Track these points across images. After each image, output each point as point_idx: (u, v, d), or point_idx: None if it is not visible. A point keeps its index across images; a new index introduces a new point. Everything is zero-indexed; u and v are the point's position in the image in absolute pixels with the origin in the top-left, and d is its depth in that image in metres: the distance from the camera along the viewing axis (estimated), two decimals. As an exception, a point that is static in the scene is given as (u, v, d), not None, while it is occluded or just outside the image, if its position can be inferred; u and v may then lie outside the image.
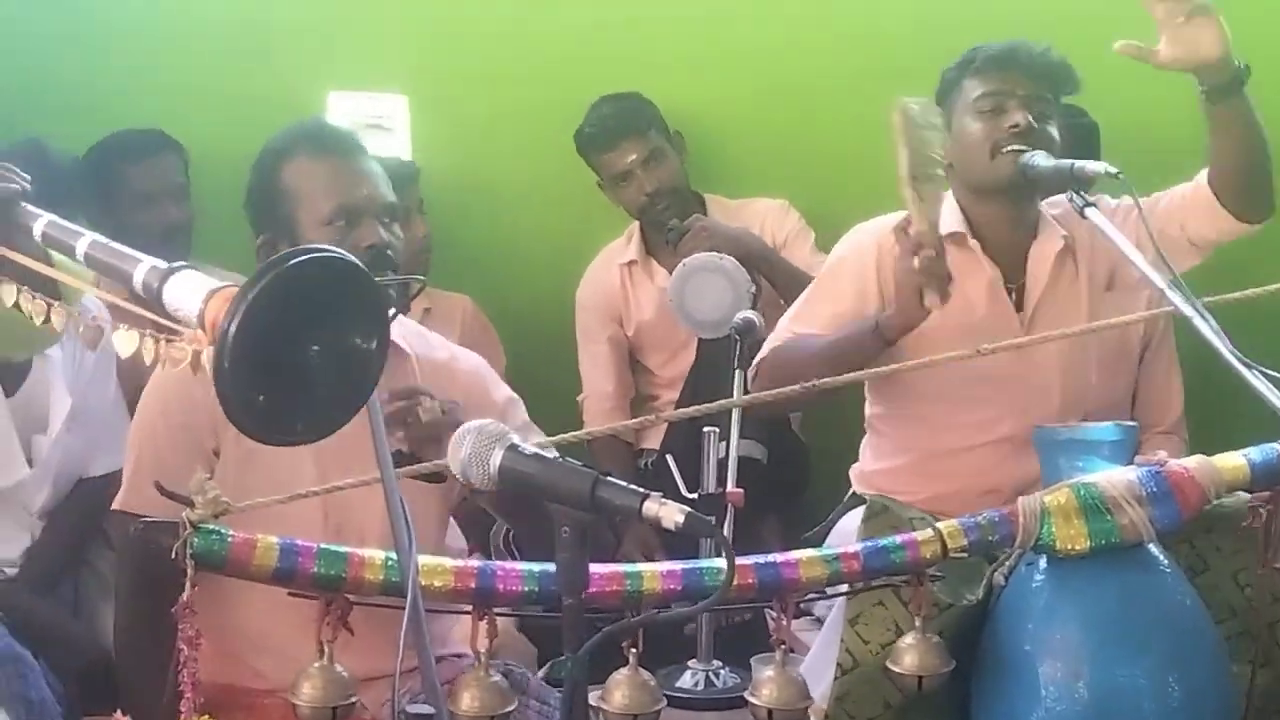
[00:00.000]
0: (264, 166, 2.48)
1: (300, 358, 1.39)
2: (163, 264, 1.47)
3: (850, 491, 3.13)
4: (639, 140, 3.87)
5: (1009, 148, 2.80)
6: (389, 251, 2.40)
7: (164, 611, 2.03)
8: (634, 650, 2.10)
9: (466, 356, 2.65)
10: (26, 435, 3.16)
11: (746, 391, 2.98)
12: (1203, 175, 2.84)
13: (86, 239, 1.58)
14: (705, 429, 3.01)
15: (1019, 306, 2.95)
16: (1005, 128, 2.82)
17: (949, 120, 2.89)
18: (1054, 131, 2.87)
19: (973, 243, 2.94)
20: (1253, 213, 2.83)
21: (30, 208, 1.76)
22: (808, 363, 2.79)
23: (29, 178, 1.85)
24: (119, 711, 2.16)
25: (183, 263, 1.47)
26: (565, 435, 2.31)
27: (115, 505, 2.48)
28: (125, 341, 1.51)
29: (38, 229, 1.69)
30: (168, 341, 1.46)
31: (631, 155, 3.86)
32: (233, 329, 1.33)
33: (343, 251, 1.42)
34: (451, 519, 2.71)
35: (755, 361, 2.98)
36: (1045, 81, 2.89)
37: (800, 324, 2.97)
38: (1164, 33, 2.56)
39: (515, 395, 2.65)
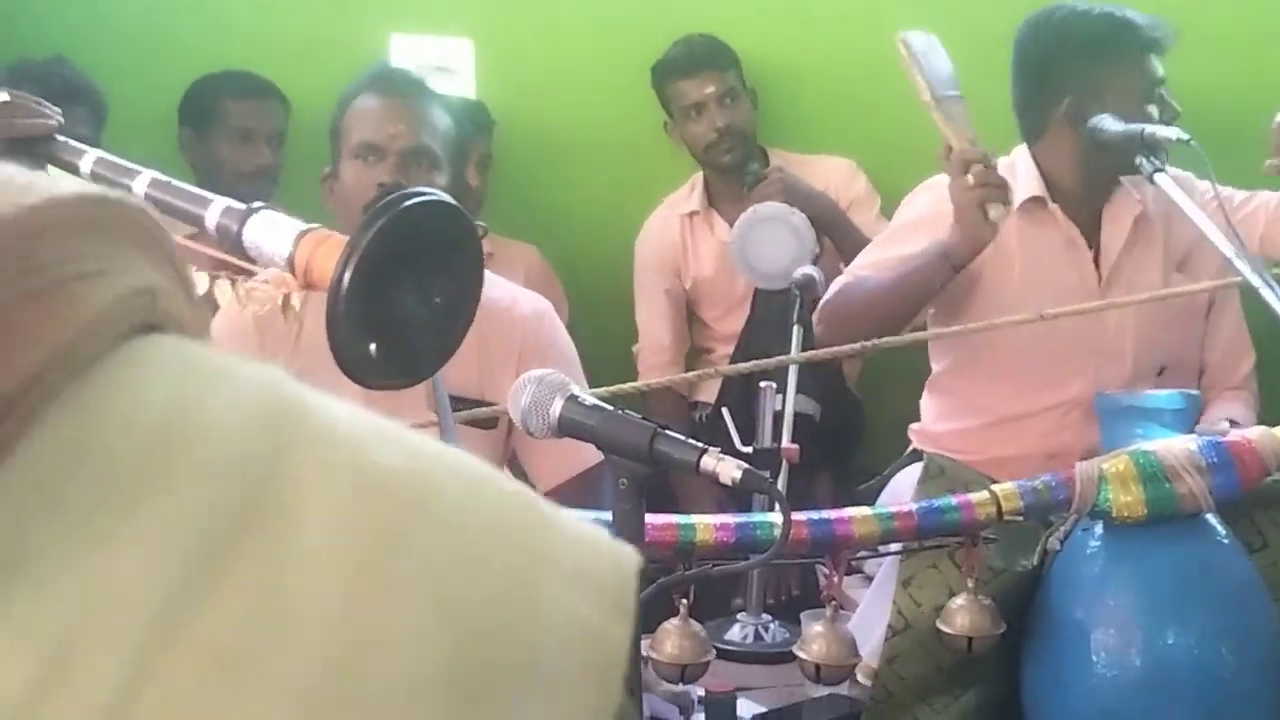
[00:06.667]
0: (340, 101, 2.56)
1: (401, 301, 1.32)
2: (238, 204, 1.39)
3: (910, 448, 3.11)
4: (719, 75, 3.83)
5: None
6: None
7: None
8: (685, 601, 2.10)
9: (529, 299, 2.64)
10: None
11: (806, 345, 2.97)
12: None
13: (145, 176, 1.44)
14: (761, 383, 3.00)
15: (1096, 266, 2.93)
16: None
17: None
18: None
19: (1052, 206, 2.91)
20: None
21: (73, 143, 1.59)
22: (876, 296, 2.76)
23: (60, 110, 1.64)
24: None
25: (260, 203, 1.39)
26: (621, 386, 2.31)
27: None
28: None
29: (85, 165, 1.52)
30: (246, 283, 1.38)
31: (710, 87, 3.81)
32: (347, 276, 1.25)
33: (439, 192, 1.38)
34: None
35: (820, 304, 2.94)
36: None
37: (868, 268, 2.94)
38: None
39: (572, 347, 2.63)
